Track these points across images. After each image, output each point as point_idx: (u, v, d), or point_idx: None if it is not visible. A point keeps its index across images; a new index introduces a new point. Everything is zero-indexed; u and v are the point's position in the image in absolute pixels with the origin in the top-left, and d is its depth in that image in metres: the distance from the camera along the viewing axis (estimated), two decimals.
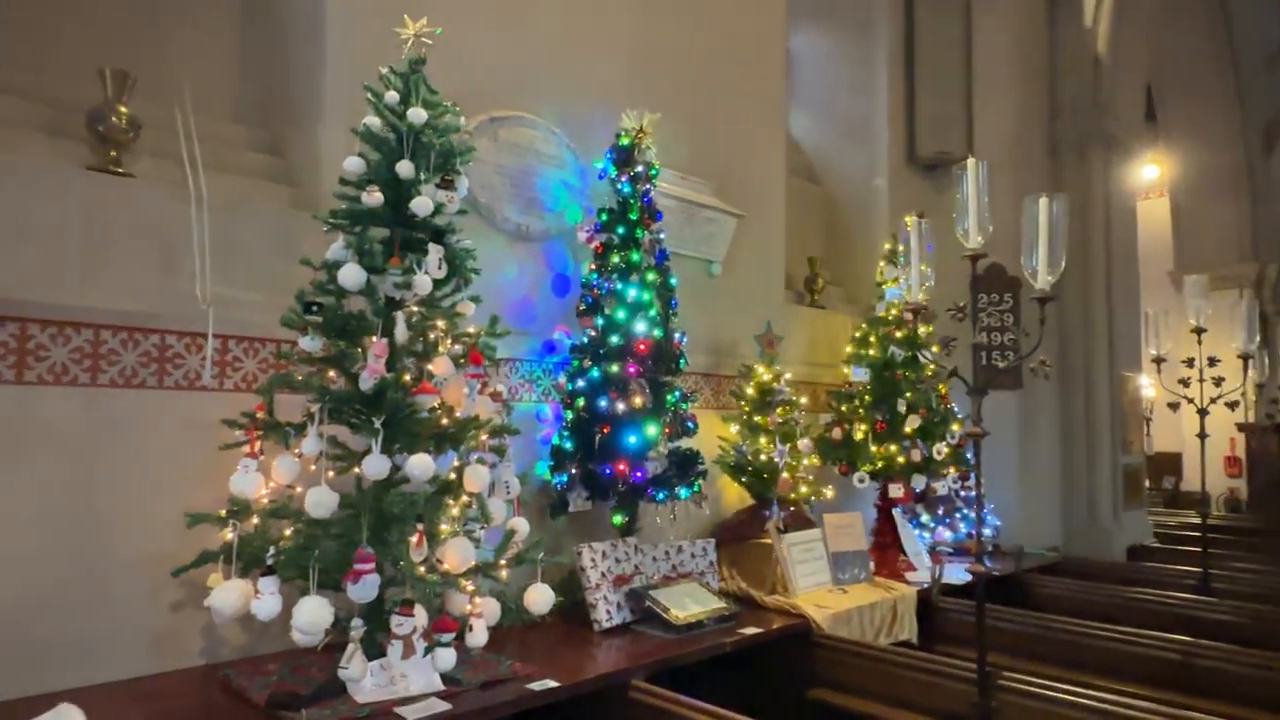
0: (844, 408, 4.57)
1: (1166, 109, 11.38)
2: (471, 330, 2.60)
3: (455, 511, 2.38)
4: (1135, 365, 6.53)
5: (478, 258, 2.65)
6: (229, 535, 2.29)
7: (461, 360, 2.51)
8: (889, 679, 3.11)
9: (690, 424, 3.41)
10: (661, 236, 3.48)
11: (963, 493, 5.16)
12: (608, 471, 3.18)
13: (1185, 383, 5.05)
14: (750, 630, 3.19)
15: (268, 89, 3.26)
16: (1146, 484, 11.78)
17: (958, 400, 4.86)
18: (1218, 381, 4.96)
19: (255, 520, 2.33)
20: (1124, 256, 6.45)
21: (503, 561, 2.51)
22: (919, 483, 4.62)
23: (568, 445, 3.28)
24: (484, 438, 2.51)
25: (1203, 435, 4.97)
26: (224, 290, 2.67)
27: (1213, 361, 4.96)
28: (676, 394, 3.35)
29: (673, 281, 3.47)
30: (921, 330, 4.42)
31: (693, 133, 4.27)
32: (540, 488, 3.37)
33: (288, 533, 2.30)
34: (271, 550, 2.22)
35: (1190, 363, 5.02)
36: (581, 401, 3.27)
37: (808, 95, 6.03)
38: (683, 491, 3.36)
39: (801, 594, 3.69)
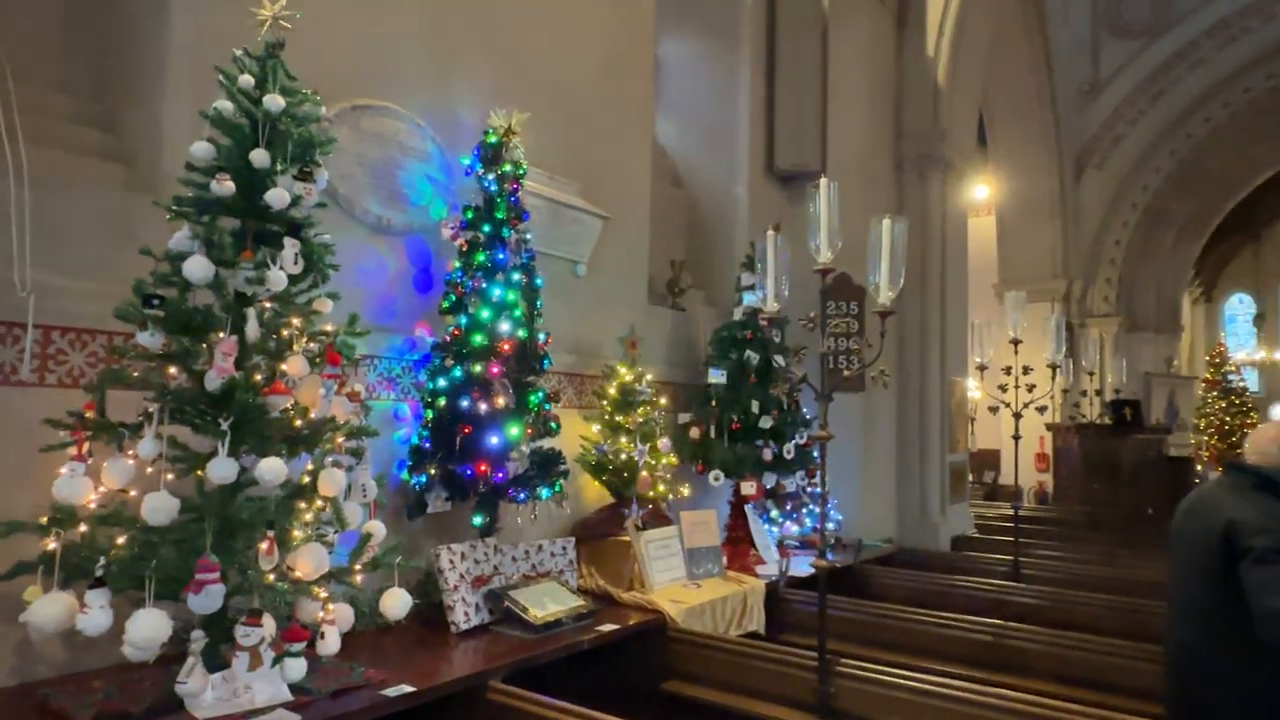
0: (702, 408, 4.72)
1: (996, 136, 12.41)
2: (329, 328, 2.52)
3: (308, 516, 2.30)
4: (963, 370, 7.11)
5: (336, 253, 2.57)
6: (50, 544, 2.11)
7: (318, 360, 2.42)
8: (738, 669, 3.27)
9: (553, 424, 3.43)
10: (529, 236, 3.48)
11: (810, 489, 5.47)
12: (469, 472, 3.16)
13: (1004, 388, 5.57)
14: (608, 627, 3.27)
15: (101, 59, 3.01)
16: (970, 479, 12.85)
17: (807, 403, 5.15)
18: (1030, 388, 5.48)
19: (82, 528, 2.16)
20: (956, 270, 7.01)
21: (358, 566, 2.45)
22: (770, 480, 4.86)
23: (427, 445, 3.23)
24: (340, 440, 2.44)
25: (1016, 437, 5.51)
26: (47, 276, 2.45)
27: (1027, 369, 5.48)
28: (540, 394, 3.37)
29: (538, 282, 3.48)
30: (776, 337, 4.66)
31: (561, 133, 4.29)
32: (398, 488, 3.30)
33: (120, 541, 2.15)
34: (102, 560, 2.07)
35: (1009, 370, 5.54)
36: (443, 401, 3.22)
37: (674, 101, 6.17)
38: (544, 491, 3.39)
39: (658, 590, 3.80)
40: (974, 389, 8.22)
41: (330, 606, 2.35)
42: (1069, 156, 12.46)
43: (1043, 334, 5.75)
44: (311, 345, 2.43)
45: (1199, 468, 13.78)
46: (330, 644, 2.33)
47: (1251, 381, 22.83)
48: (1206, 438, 16.30)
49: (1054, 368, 5.48)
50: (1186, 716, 2.73)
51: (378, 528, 2.57)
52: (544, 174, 4.09)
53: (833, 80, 6.09)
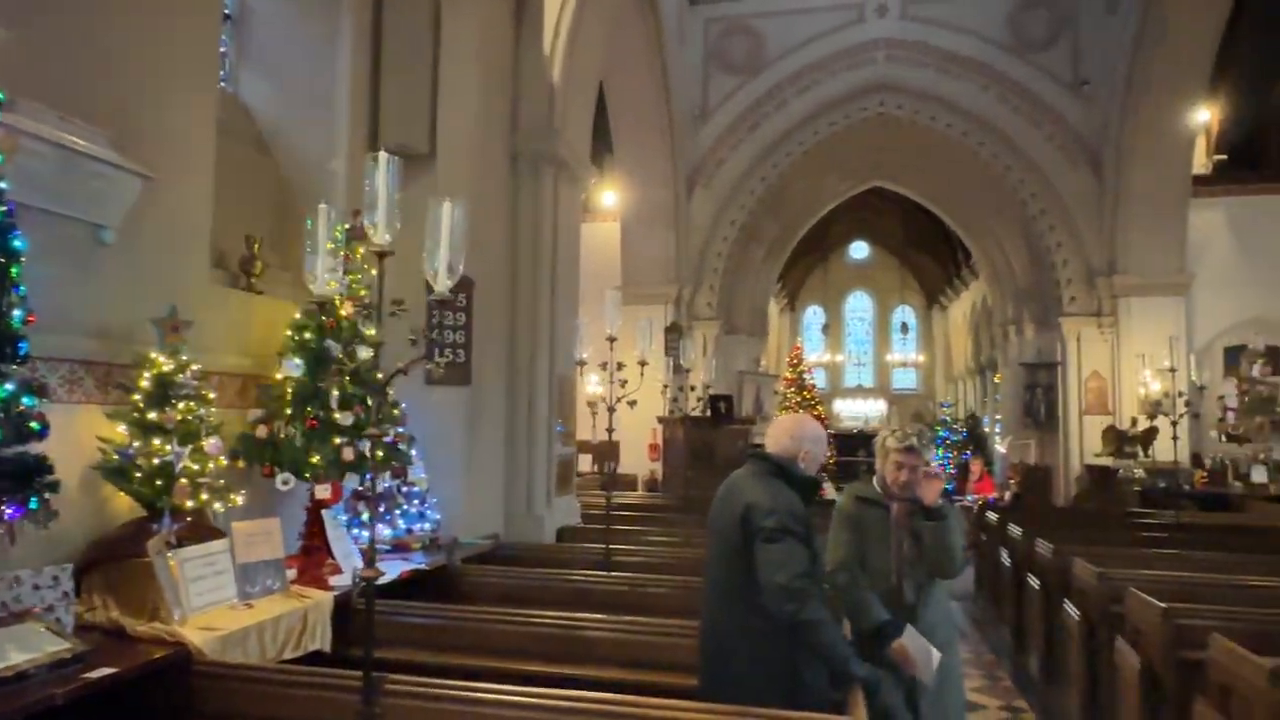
0: (274, 403, 4.19)
1: (621, 146, 13.20)
2: None
3: None
4: (572, 366, 7.31)
5: None
6: None
7: None
8: (276, 700, 2.86)
9: (34, 424, 2.72)
10: (1, 185, 2.71)
11: (406, 489, 5.18)
12: None
13: (623, 383, 5.78)
14: (102, 672, 2.66)
15: None
16: (595, 468, 13.47)
17: (404, 399, 4.85)
18: (623, 383, 5.75)
19: None
20: (568, 268, 7.18)
21: None
22: (356, 481, 4.47)
23: None
24: None
25: (610, 429, 5.74)
26: None
27: (621, 365, 5.74)
28: (8, 389, 2.64)
29: (17, 244, 2.73)
30: (362, 327, 4.28)
31: (86, 67, 3.50)
32: None
33: None
34: None
35: (620, 366, 5.76)
36: None
37: (264, 57, 5.47)
38: (19, 509, 2.66)
39: (195, 615, 3.24)
40: (597, 384, 8.59)
41: None
42: (683, 173, 13.69)
43: (646, 334, 6.09)
44: None
45: None
46: None
47: (820, 379, 27.33)
48: None
49: (643, 364, 5.81)
50: (716, 688, 2.93)
51: None
52: (53, 113, 3.28)
53: (444, 59, 5.85)
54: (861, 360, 28.76)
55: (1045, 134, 12.83)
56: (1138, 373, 11.82)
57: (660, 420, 12.21)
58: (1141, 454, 10.63)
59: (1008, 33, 12.96)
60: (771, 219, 14.99)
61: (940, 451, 16.11)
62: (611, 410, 5.72)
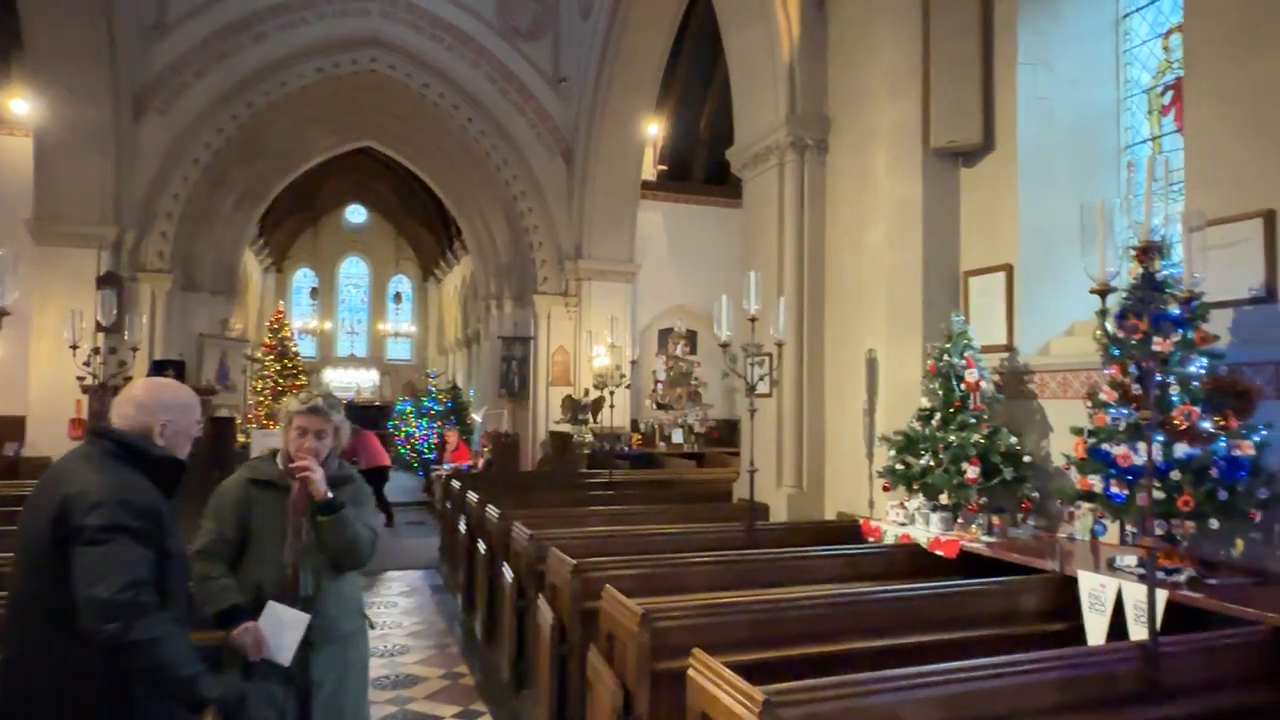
0: None
1: (37, 41, 10.38)
2: None
3: None
4: None
5: None
6: None
7: None
8: None
9: None
10: None
11: None
12: None
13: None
14: None
15: None
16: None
17: None
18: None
19: None
20: None
21: None
22: None
23: None
24: None
25: None
26: None
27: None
28: None
29: None
30: None
31: None
32: None
33: None
34: None
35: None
36: None
37: None
38: None
39: None
40: None
41: None
42: (129, 91, 11.32)
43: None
44: None
45: (253, 429, 14.45)
46: None
47: (310, 347, 25.72)
48: (261, 399, 17.39)
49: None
50: None
51: None
52: None
53: None
54: (355, 329, 27.80)
55: (528, 120, 13.59)
56: (591, 348, 13.31)
57: (86, 391, 9.97)
58: (592, 420, 11.94)
59: (499, 17, 13.39)
60: (245, 165, 13.33)
61: (424, 422, 16.24)
62: None
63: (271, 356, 17.78)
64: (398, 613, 7.07)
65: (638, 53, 12.28)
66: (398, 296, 27.83)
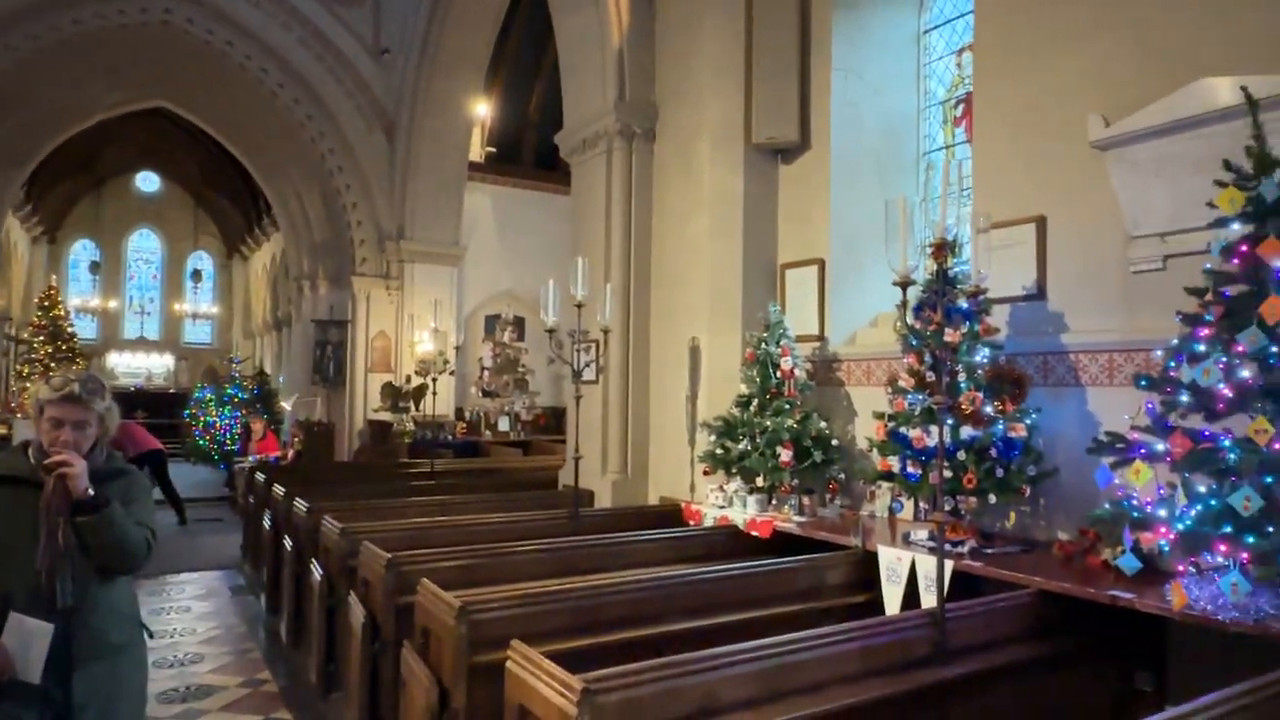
0: None
1: None
2: None
3: None
4: None
5: None
6: None
7: None
8: None
9: None
10: None
11: None
12: None
13: None
14: None
15: None
16: None
17: None
18: None
19: None
20: None
21: None
22: None
23: None
24: None
25: None
26: None
27: None
28: None
29: None
30: None
31: None
32: None
33: None
34: None
35: None
36: None
37: None
38: None
39: None
40: None
41: None
42: None
43: None
44: None
45: (16, 419, 12.79)
46: None
47: (90, 328, 23.08)
48: (30, 385, 15.39)
49: None
50: None
51: None
52: None
53: None
54: (146, 309, 25.19)
55: (346, 91, 12.81)
56: (414, 333, 12.80)
57: None
58: (414, 408, 11.51)
59: None
60: (5, 118, 11.67)
61: (227, 410, 15.01)
62: None
63: (41, 338, 15.76)
64: (191, 618, 6.46)
65: (466, 22, 11.87)
66: (197, 274, 25.49)
